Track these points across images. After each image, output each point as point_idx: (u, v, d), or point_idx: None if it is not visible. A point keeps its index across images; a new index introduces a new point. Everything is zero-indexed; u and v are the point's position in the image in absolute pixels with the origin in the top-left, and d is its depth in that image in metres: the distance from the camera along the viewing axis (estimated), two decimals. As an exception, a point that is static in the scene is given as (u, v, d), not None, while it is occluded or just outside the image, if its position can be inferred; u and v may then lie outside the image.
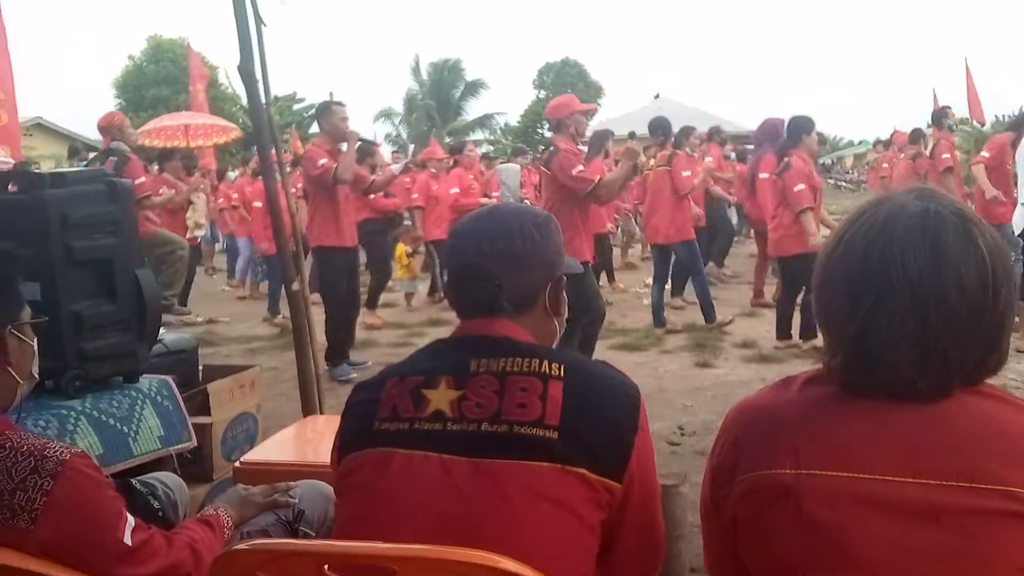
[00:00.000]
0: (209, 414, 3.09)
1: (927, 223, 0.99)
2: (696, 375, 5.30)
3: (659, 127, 7.22)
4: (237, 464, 2.42)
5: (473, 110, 37.37)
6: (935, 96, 11.91)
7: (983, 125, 11.30)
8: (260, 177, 7.78)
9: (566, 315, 1.46)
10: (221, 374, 3.40)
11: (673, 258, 7.02)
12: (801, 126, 5.89)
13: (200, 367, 3.45)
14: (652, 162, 7.04)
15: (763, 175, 7.04)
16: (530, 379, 1.25)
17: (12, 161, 11.28)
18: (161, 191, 7.67)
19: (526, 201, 8.84)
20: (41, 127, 24.73)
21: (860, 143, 39.87)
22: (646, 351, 6.11)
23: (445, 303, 8.48)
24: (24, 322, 1.56)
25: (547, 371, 1.26)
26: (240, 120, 29.37)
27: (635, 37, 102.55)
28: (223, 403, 3.13)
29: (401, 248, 8.06)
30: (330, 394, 4.81)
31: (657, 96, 32.64)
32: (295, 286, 3.98)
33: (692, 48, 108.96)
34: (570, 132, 4.92)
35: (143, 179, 6.58)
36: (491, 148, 37.70)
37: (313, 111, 30.46)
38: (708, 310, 6.61)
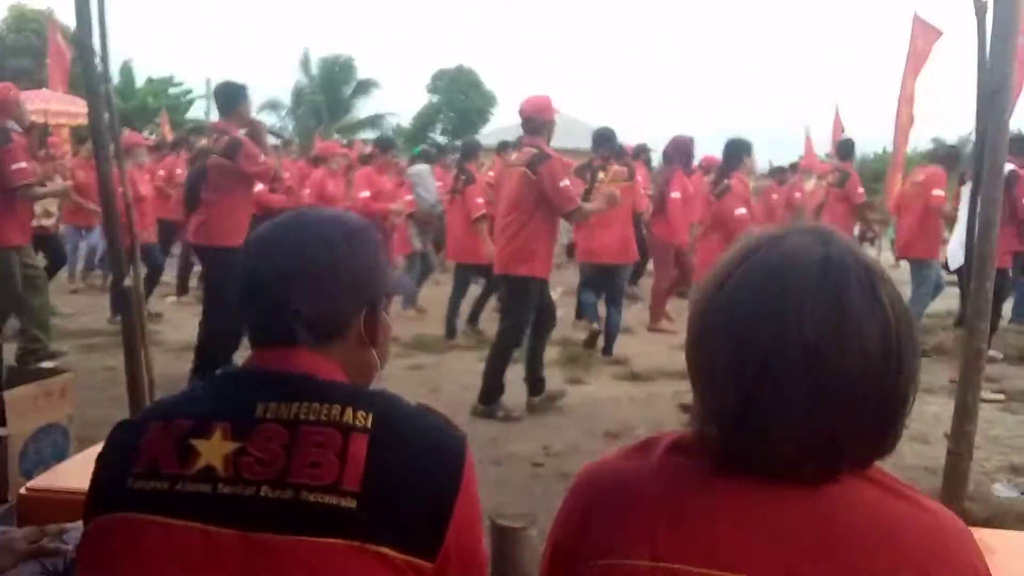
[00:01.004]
0: (5, 425, 2.67)
1: (829, 273, 0.82)
2: (569, 389, 5.20)
3: (605, 139, 6.50)
4: (22, 491, 2.06)
5: (364, 109, 36.61)
6: (808, 136, 12.48)
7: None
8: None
9: (388, 343, 1.23)
10: (31, 379, 2.97)
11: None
12: (742, 147, 5.72)
13: (4, 368, 3.02)
14: (602, 175, 6.30)
15: (675, 194, 7.08)
16: (328, 431, 1.01)
17: None
18: (52, 181, 6.55)
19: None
20: None
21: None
22: (516, 363, 5.97)
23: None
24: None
25: (350, 421, 1.02)
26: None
27: (529, 48, 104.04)
28: (24, 413, 2.72)
29: None
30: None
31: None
32: (127, 282, 3.59)
33: (585, 62, 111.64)
34: (547, 137, 4.70)
35: (23, 164, 5.30)
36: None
37: (190, 96, 29.25)
38: (611, 341, 6.28)
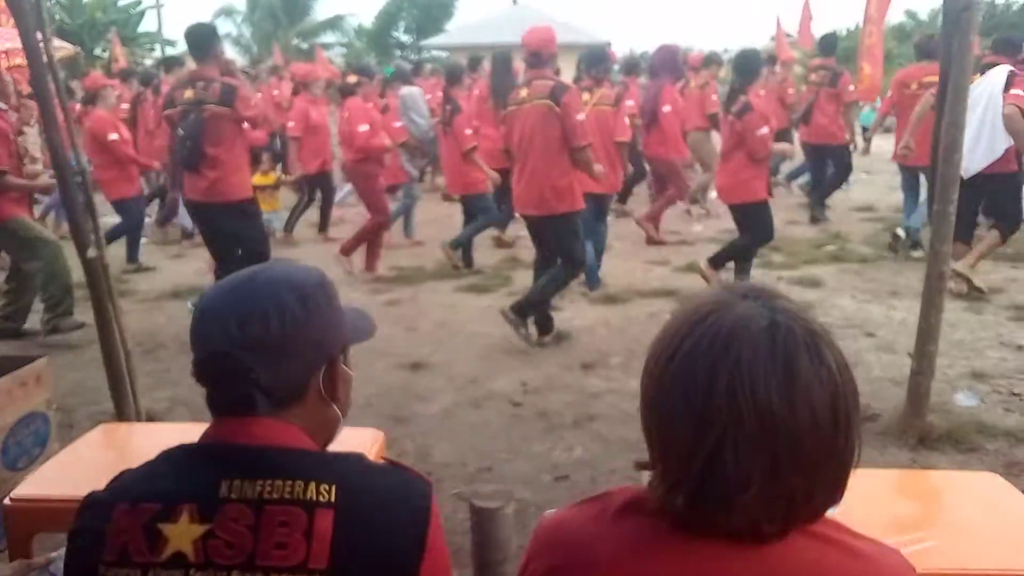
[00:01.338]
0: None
1: (777, 341, 0.85)
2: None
3: (597, 60, 6.05)
4: (6, 501, 2.10)
5: (323, 10, 35.12)
6: (779, 22, 12.16)
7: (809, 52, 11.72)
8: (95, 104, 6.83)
9: (349, 394, 1.24)
10: (3, 367, 2.97)
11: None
12: (755, 59, 5.54)
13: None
14: (587, 97, 5.74)
15: (666, 108, 6.94)
16: (292, 510, 1.03)
17: None
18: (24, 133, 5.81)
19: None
20: None
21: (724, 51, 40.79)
22: (494, 292, 6.01)
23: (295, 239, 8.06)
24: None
25: (313, 497, 1.04)
26: (56, 16, 26.31)
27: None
28: (2, 407, 2.73)
29: (261, 180, 7.50)
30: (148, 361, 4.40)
31: (515, 2, 31.71)
32: (91, 252, 3.53)
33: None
34: (553, 68, 4.70)
35: None
36: (345, 51, 35.98)
37: (140, 8, 27.80)
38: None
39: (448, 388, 4.21)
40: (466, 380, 4.30)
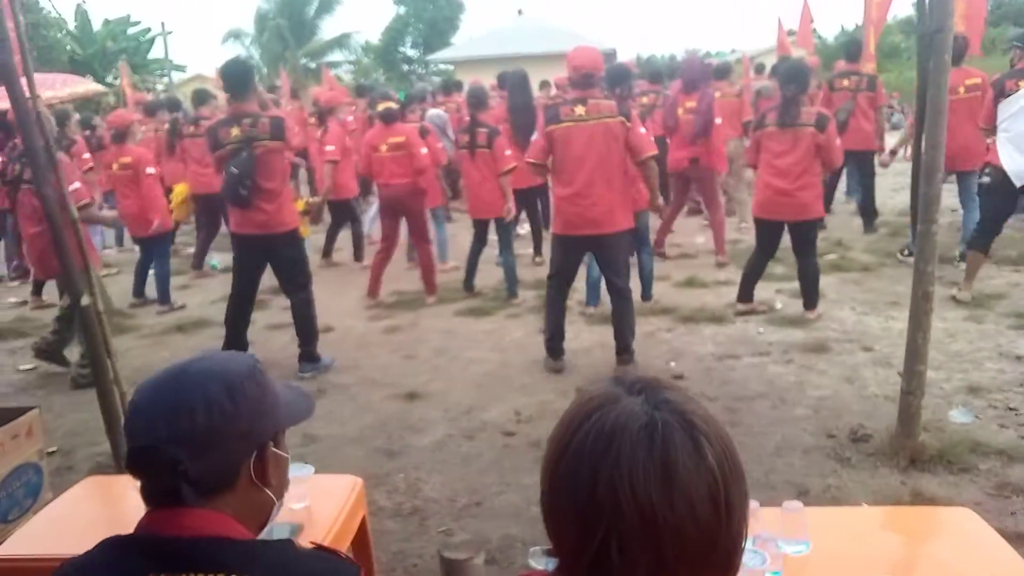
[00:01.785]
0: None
1: (655, 439, 0.88)
2: (538, 343, 5.22)
3: (621, 78, 5.69)
4: (-13, 563, 2.14)
5: (329, 29, 35.42)
6: (780, 24, 12.15)
7: (811, 53, 11.64)
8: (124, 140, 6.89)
9: (285, 477, 1.27)
10: (-4, 419, 3.03)
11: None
12: (806, 68, 5.52)
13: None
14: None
15: (719, 120, 6.89)
16: None
17: None
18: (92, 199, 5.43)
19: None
20: None
21: (717, 54, 40.69)
22: (493, 316, 6.04)
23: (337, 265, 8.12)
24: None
25: None
26: (68, 47, 26.75)
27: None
28: (-10, 463, 2.78)
29: (300, 205, 7.57)
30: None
31: (520, 12, 31.85)
32: (84, 299, 3.60)
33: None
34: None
35: (78, 185, 4.78)
36: (352, 68, 36.25)
37: (149, 36, 28.16)
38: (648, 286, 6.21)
39: (442, 419, 4.23)
40: (460, 410, 4.32)
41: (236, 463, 1.18)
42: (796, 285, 6.21)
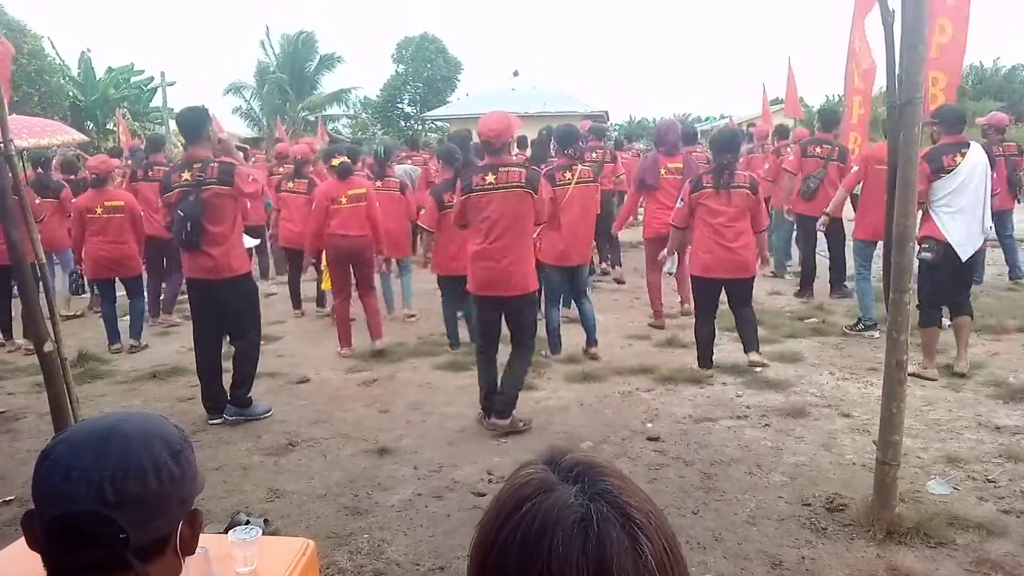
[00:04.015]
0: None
1: (590, 534, 0.81)
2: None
3: (570, 139, 6.06)
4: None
5: (329, 84, 36.05)
6: (764, 90, 12.41)
7: (800, 121, 11.88)
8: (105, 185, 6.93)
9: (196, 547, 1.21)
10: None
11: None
12: (837, 112, 6.36)
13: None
14: (568, 175, 5.92)
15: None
16: None
17: None
18: None
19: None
20: None
21: (706, 119, 41.55)
22: (472, 371, 5.95)
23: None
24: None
25: None
26: (70, 93, 27.06)
27: (495, 13, 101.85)
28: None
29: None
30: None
31: (516, 73, 32.51)
32: (47, 346, 3.54)
33: (551, 25, 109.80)
34: None
35: None
36: (350, 122, 36.77)
37: (151, 85, 28.58)
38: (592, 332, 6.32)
39: (412, 477, 4.13)
40: (431, 468, 4.23)
41: (171, 531, 1.12)
42: (776, 347, 6.23)
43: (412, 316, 7.73)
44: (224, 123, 20.31)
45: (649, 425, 4.76)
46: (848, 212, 7.92)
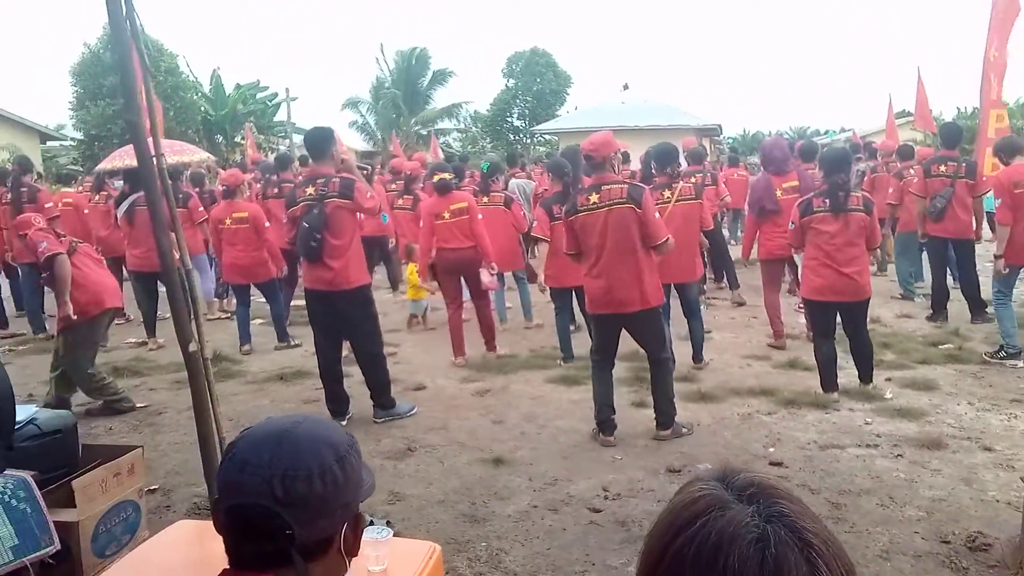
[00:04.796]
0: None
1: (767, 557, 0.80)
2: (630, 417, 5.13)
3: (670, 158, 6.23)
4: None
5: (441, 99, 36.92)
6: (890, 101, 11.83)
7: (933, 135, 11.23)
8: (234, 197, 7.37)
9: (359, 547, 1.26)
10: (102, 455, 3.17)
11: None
12: (849, 157, 5.99)
13: (80, 447, 3.23)
14: (668, 194, 5.96)
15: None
16: None
17: None
18: None
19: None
20: (-6, 116, 23.94)
21: (826, 132, 40.02)
22: (585, 385, 5.93)
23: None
24: None
25: None
26: (202, 108, 28.88)
27: (605, 26, 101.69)
28: (93, 497, 2.90)
29: (412, 267, 7.81)
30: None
31: (626, 87, 32.33)
32: (192, 346, 3.76)
33: (662, 38, 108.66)
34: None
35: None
36: (461, 136, 37.54)
37: (276, 100, 30.11)
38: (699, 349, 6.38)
39: (527, 488, 4.15)
40: (546, 480, 4.23)
41: (334, 532, 1.18)
42: (908, 374, 5.91)
43: (532, 327, 7.86)
44: (342, 137, 21.13)
45: (771, 450, 4.60)
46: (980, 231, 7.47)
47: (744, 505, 0.86)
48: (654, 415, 4.88)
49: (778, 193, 6.77)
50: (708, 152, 10.82)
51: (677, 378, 5.93)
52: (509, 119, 37.73)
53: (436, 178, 6.77)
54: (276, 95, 30.96)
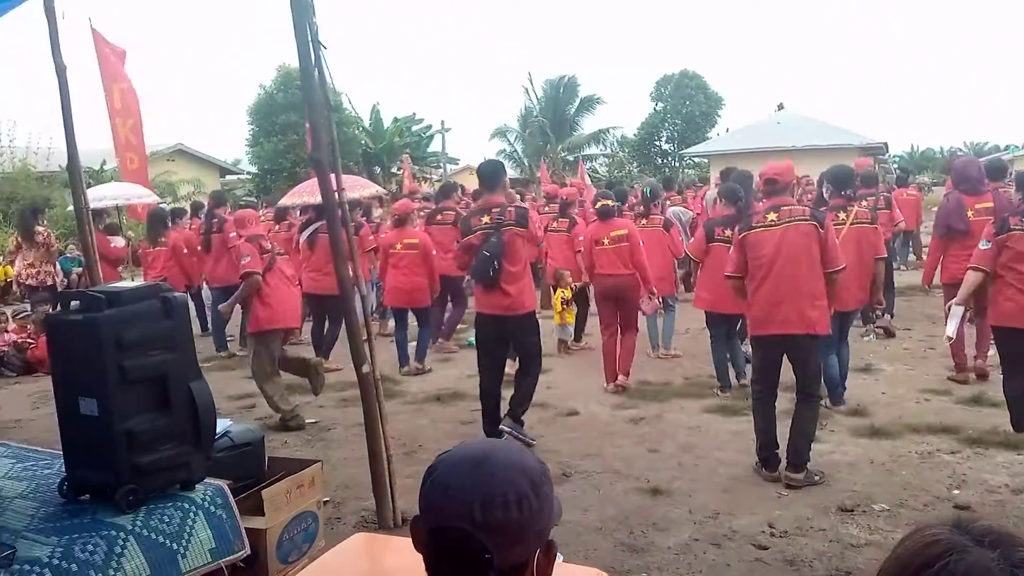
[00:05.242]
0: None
1: None
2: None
3: (844, 180, 6.01)
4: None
5: (588, 125, 37.20)
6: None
7: None
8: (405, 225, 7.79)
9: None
10: (285, 467, 3.40)
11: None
12: None
13: (266, 459, 3.47)
14: (843, 216, 5.68)
15: None
16: None
17: (156, 197, 12.18)
18: None
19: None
20: (182, 152, 26.50)
21: (1007, 148, 36.73)
22: (744, 415, 5.72)
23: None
24: None
25: None
26: (362, 142, 30.61)
27: (757, 45, 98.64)
28: (279, 507, 3.11)
29: (558, 294, 7.99)
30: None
31: (780, 107, 31.28)
32: (365, 368, 3.97)
33: (818, 53, 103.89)
34: None
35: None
36: (607, 161, 37.61)
37: (430, 132, 31.47)
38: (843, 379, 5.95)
39: (687, 520, 4.04)
40: (707, 513, 4.11)
41: (528, 557, 1.20)
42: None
43: (670, 356, 7.70)
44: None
45: (956, 492, 4.24)
46: None
47: (986, 550, 0.82)
48: (786, 455, 4.52)
49: (969, 214, 6.30)
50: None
51: (847, 412, 5.66)
52: (657, 143, 37.43)
53: (599, 204, 6.90)
54: (430, 127, 32.34)
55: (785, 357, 4.67)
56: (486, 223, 5.21)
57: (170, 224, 9.72)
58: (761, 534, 3.84)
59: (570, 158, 34.81)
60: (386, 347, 8.60)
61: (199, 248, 9.33)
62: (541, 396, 6.33)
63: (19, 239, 9.98)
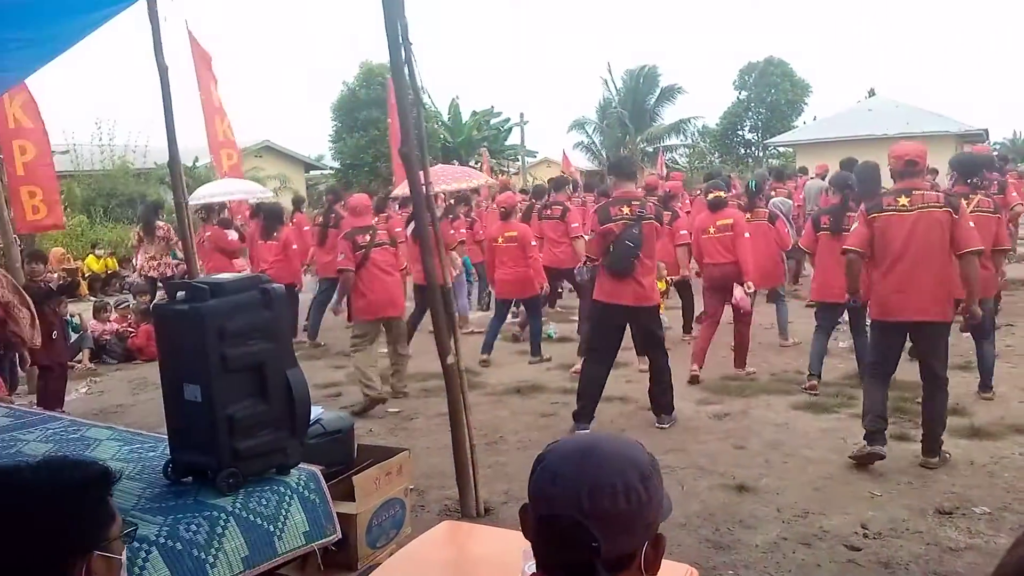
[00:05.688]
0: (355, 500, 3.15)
1: None
2: (890, 450, 4.69)
3: (972, 168, 5.88)
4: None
5: (668, 115, 36.56)
6: None
7: None
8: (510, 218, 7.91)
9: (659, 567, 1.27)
10: (373, 455, 3.48)
11: None
12: None
13: (355, 446, 3.57)
14: (964, 203, 5.23)
15: None
16: None
17: (270, 192, 12.71)
18: None
19: None
20: (269, 149, 27.38)
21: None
22: (835, 413, 5.57)
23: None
24: (112, 539, 1.42)
25: None
26: (441, 136, 30.94)
27: (846, 30, 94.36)
28: (369, 493, 3.19)
29: (662, 285, 7.99)
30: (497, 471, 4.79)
31: (872, 93, 30.04)
32: (449, 359, 4.02)
33: (909, 38, 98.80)
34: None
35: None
36: (687, 152, 36.94)
37: (508, 125, 31.52)
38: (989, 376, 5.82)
39: (775, 518, 3.95)
40: (796, 512, 4.01)
41: (636, 549, 1.20)
42: None
43: (789, 345, 7.66)
44: (569, 158, 21.57)
45: (1069, 498, 4.01)
46: None
47: None
48: (921, 441, 4.53)
49: None
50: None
51: (948, 410, 5.39)
52: (740, 132, 36.55)
53: (711, 196, 6.97)
54: (508, 120, 32.38)
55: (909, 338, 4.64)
56: (627, 214, 5.32)
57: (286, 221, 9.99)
58: (854, 535, 3.72)
59: (649, 149, 34.30)
60: (466, 339, 8.71)
61: (315, 242, 9.59)
62: (623, 389, 6.31)
63: (140, 234, 10.45)
